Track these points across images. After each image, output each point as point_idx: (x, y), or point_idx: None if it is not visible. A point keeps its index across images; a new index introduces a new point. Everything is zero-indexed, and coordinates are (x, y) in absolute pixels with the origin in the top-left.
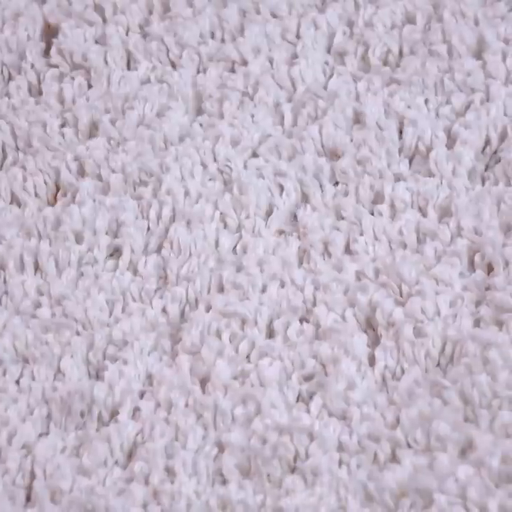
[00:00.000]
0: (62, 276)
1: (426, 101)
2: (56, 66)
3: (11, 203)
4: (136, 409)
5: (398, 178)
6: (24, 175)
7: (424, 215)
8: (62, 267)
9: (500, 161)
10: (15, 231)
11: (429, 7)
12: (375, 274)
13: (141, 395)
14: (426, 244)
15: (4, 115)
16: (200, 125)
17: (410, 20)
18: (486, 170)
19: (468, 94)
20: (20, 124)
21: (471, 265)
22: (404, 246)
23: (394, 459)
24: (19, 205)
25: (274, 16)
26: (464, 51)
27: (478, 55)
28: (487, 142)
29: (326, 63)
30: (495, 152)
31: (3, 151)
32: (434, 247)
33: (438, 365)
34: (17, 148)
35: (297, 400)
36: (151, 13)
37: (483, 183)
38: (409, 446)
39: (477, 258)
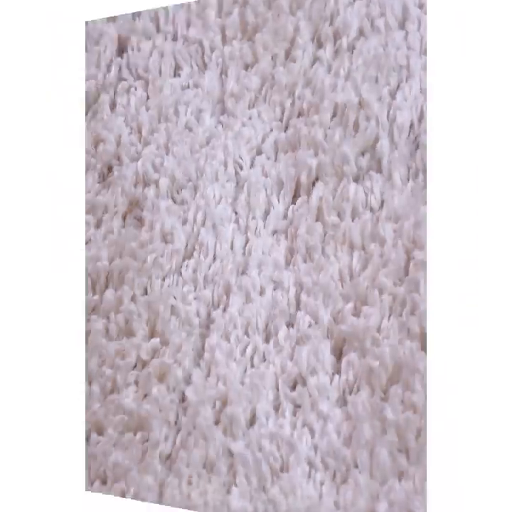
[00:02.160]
0: None
1: (375, 84)
2: (125, 79)
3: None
4: None
5: (357, 175)
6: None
7: (375, 215)
8: None
9: (418, 147)
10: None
11: None
12: (340, 279)
13: None
14: (375, 248)
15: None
16: (222, 125)
17: None
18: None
19: (398, 71)
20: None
21: (406, 272)
22: (360, 250)
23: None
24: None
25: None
26: (394, 24)
27: (402, 25)
28: (411, 126)
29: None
30: (415, 137)
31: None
32: (381, 253)
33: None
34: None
35: (286, 408)
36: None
37: (408, 174)
38: (356, 467)
39: (411, 265)
